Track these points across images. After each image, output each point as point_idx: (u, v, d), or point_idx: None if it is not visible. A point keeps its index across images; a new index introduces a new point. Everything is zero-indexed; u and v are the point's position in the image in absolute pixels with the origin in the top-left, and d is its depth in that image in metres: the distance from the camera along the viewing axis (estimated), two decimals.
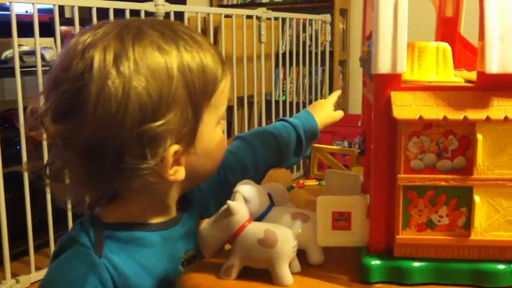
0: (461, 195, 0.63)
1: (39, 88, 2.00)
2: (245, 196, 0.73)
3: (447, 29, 0.91)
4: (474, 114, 0.60)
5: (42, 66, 2.01)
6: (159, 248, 0.71)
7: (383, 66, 0.63)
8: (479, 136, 0.61)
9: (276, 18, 3.19)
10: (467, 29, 0.90)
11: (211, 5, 4.30)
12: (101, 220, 0.69)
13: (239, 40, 2.90)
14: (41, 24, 2.01)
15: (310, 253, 0.71)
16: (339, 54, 3.88)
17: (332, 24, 3.66)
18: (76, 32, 2.14)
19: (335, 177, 0.83)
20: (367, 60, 0.71)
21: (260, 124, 3.24)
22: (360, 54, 0.83)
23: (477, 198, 0.62)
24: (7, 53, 2.47)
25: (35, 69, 2.03)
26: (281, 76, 3.86)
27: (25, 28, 2.04)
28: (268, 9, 3.10)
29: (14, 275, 1.99)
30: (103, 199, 0.71)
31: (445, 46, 0.71)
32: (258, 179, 0.81)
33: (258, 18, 3.01)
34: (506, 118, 0.59)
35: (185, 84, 0.63)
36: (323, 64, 3.64)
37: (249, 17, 2.97)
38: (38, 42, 2.00)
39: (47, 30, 2.19)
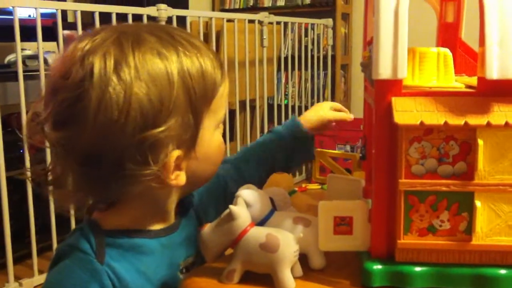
0: (462, 200, 0.63)
1: (42, 92, 2.01)
2: (247, 201, 0.74)
3: (448, 35, 0.91)
4: (474, 120, 0.60)
5: (45, 70, 2.02)
6: (158, 255, 0.70)
7: (384, 71, 0.64)
8: (480, 142, 0.61)
9: (278, 23, 3.20)
10: (468, 34, 0.90)
11: (213, 10, 4.31)
12: (101, 227, 0.69)
13: (241, 44, 2.90)
14: (44, 29, 2.02)
15: (311, 257, 0.71)
16: (341, 58, 3.88)
17: (334, 28, 3.67)
18: (77, 36, 2.15)
19: (337, 181, 0.84)
20: (368, 65, 0.72)
21: (262, 128, 3.24)
22: (361, 59, 0.83)
23: (478, 203, 0.62)
24: (10, 57, 2.47)
25: (38, 73, 2.04)
26: (283, 80, 3.86)
27: (28, 32, 2.05)
28: (270, 13, 3.11)
29: (17, 278, 1.99)
30: (102, 204, 0.71)
31: (446, 51, 0.72)
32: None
33: (260, 22, 3.02)
34: (506, 124, 0.60)
35: (186, 90, 0.63)
36: (325, 68, 3.65)
37: (251, 21, 2.98)
38: (41, 46, 2.01)
39: (50, 34, 2.20)
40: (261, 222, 0.74)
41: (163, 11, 2.43)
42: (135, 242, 0.69)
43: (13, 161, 2.00)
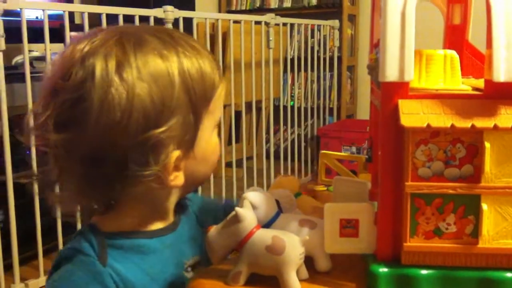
0: (469, 203, 0.63)
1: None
2: (253, 203, 0.74)
3: (454, 37, 0.91)
4: (481, 122, 0.60)
5: None
6: (161, 254, 0.71)
7: (391, 74, 0.64)
8: (487, 144, 0.61)
9: (284, 24, 3.20)
10: (475, 36, 0.90)
11: (219, 11, 4.32)
12: (100, 229, 0.69)
13: (248, 45, 2.90)
14: (51, 30, 2.02)
15: (317, 260, 0.71)
16: (347, 60, 3.88)
17: (340, 29, 3.67)
18: None
19: (343, 184, 0.83)
20: (374, 67, 0.72)
21: (268, 129, 3.23)
22: (368, 62, 0.83)
23: (484, 206, 0.62)
24: (18, 59, 2.48)
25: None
26: (289, 81, 3.86)
27: (36, 34, 2.06)
28: (276, 14, 3.10)
29: (23, 279, 2.00)
30: (101, 207, 0.71)
31: (453, 54, 0.72)
32: None
33: (267, 23, 3.02)
34: None
35: (186, 90, 0.64)
36: (331, 69, 3.64)
37: (257, 23, 2.98)
38: (48, 48, 2.02)
39: (57, 36, 2.20)
40: (267, 224, 0.74)
41: (170, 13, 2.43)
42: (135, 242, 0.69)
43: (21, 162, 2.01)
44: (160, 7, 2.43)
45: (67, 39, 2.10)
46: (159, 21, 2.42)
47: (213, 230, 0.71)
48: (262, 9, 4.05)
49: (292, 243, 0.67)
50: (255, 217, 0.71)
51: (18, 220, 1.93)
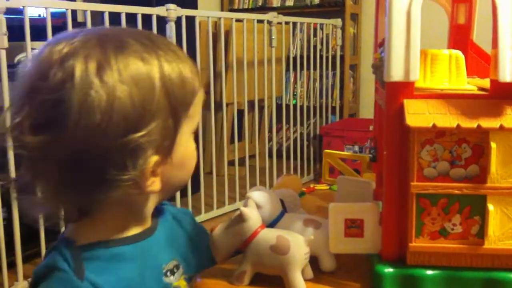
0: (475, 203, 0.62)
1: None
2: (257, 202, 0.74)
3: (459, 36, 0.91)
4: (487, 123, 0.60)
5: None
6: (139, 260, 0.68)
7: (396, 73, 0.63)
8: (493, 145, 0.60)
9: (287, 23, 3.20)
10: (479, 36, 0.90)
11: (222, 10, 4.31)
12: (75, 241, 0.67)
13: (250, 44, 2.90)
14: (53, 28, 2.02)
15: (322, 259, 0.71)
16: (350, 59, 3.87)
17: (343, 28, 3.66)
18: None
19: (347, 183, 0.83)
20: (379, 67, 0.71)
21: (270, 128, 3.23)
22: (372, 61, 0.83)
23: (490, 206, 0.62)
24: (20, 57, 2.48)
25: None
26: (291, 80, 3.85)
27: (38, 32, 2.05)
28: (279, 13, 3.10)
29: (26, 277, 2.00)
30: (75, 213, 0.68)
31: (458, 53, 0.71)
32: None
33: (269, 22, 3.01)
34: None
35: (167, 94, 0.63)
36: (333, 68, 3.64)
37: (260, 21, 2.97)
38: None
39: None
40: (272, 224, 0.74)
41: (172, 11, 2.43)
42: (114, 251, 0.67)
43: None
44: (163, 5, 2.42)
45: None
46: (161, 19, 2.42)
47: (218, 229, 0.71)
48: (264, 8, 4.04)
49: (297, 243, 0.67)
50: (259, 217, 0.71)
51: (21, 218, 1.93)
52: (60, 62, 0.60)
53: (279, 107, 3.35)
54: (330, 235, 0.69)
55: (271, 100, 3.15)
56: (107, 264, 0.66)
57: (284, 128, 3.29)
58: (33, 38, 1.98)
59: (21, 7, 1.93)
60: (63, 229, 0.71)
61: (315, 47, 3.49)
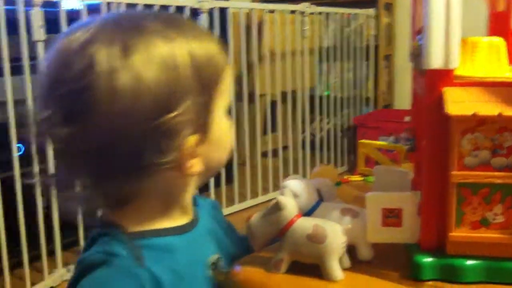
0: None
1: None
2: (294, 191, 0.74)
3: (498, 24, 0.89)
4: None
5: None
6: (188, 253, 0.66)
7: (435, 61, 0.63)
8: None
9: (319, 13, 3.17)
10: None
11: (254, 1, 4.31)
12: (126, 229, 0.64)
13: (283, 35, 2.89)
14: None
15: (359, 249, 0.71)
16: (384, 49, 3.82)
17: (377, 18, 3.61)
18: None
19: (384, 173, 0.83)
20: (417, 55, 0.71)
21: (303, 119, 3.22)
22: (410, 50, 0.82)
23: None
24: None
25: None
26: (324, 71, 3.83)
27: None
28: (311, 3, 3.08)
29: (65, 264, 2.04)
30: (114, 204, 0.66)
31: (499, 41, 0.70)
32: None
33: (302, 13, 3.00)
34: None
35: (196, 72, 0.61)
36: (367, 59, 3.60)
37: (292, 12, 2.96)
38: None
39: None
40: (308, 213, 0.74)
41: (205, 3, 2.44)
42: (166, 240, 0.65)
43: None
44: None
45: None
46: (194, 11, 2.43)
47: (254, 218, 0.72)
48: None
49: (334, 232, 0.67)
50: (296, 206, 0.71)
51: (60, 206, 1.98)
52: (80, 50, 0.58)
53: (312, 98, 3.33)
54: (368, 225, 0.69)
55: (304, 91, 3.14)
56: (161, 254, 0.64)
57: (318, 119, 3.28)
58: None
59: (57, 0, 1.96)
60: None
61: (348, 37, 3.46)
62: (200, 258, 0.68)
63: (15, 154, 1.84)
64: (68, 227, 2.04)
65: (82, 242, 2.07)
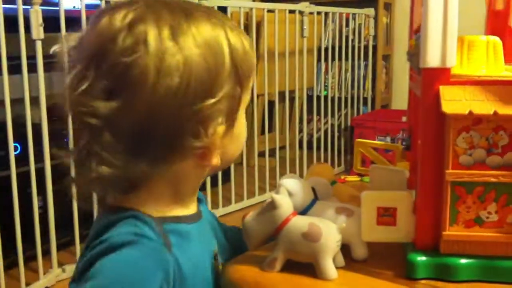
0: (511, 191, 0.61)
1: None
2: (289, 190, 0.74)
3: (497, 23, 0.89)
4: None
5: None
6: (199, 242, 0.67)
7: (432, 60, 0.62)
8: None
9: (318, 13, 3.17)
10: None
11: (254, 0, 4.31)
12: (149, 214, 0.63)
13: (282, 35, 2.89)
14: (88, 20, 2.04)
15: (354, 248, 0.71)
16: (383, 49, 3.82)
17: (376, 18, 3.62)
18: None
19: (380, 172, 0.83)
20: (415, 54, 0.70)
21: (301, 119, 3.22)
22: (408, 48, 0.82)
23: None
24: (56, 48, 2.53)
25: None
26: (323, 70, 3.83)
27: (73, 23, 2.08)
28: (311, 3, 3.08)
29: (60, 264, 2.04)
30: (131, 186, 0.64)
31: (496, 40, 0.70)
32: None
33: (301, 12, 3.00)
34: None
35: (233, 61, 0.62)
36: (366, 58, 3.60)
37: (291, 11, 2.96)
38: None
39: None
40: (303, 212, 0.74)
41: (205, 2, 2.44)
42: (185, 227, 0.65)
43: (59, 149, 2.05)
44: None
45: None
46: None
47: (249, 216, 0.72)
48: None
49: (329, 231, 0.67)
50: (291, 204, 0.71)
51: (56, 206, 1.97)
52: (128, 28, 0.58)
53: (310, 98, 3.33)
54: (363, 223, 0.68)
55: (302, 91, 3.13)
56: (181, 240, 0.64)
57: (315, 119, 3.28)
58: (68, 29, 2.01)
59: None
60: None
61: (347, 37, 3.46)
62: (208, 248, 0.70)
63: (12, 153, 1.83)
64: (63, 227, 2.03)
65: (77, 242, 2.07)
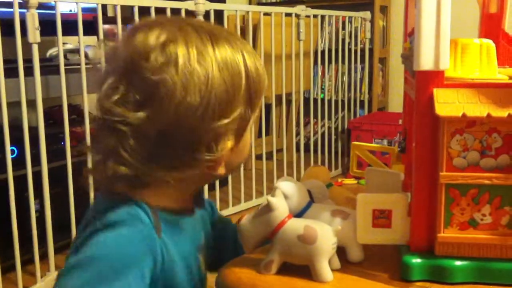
0: (505, 193, 0.62)
1: (83, 85, 2.05)
2: (285, 192, 0.74)
3: (490, 26, 0.89)
4: None
5: (86, 64, 2.05)
6: (190, 232, 0.74)
7: (426, 62, 0.63)
8: None
9: (315, 16, 3.18)
10: (511, 25, 0.88)
11: (250, 3, 4.31)
12: (148, 202, 0.70)
13: (278, 38, 2.89)
14: (84, 23, 2.04)
15: (350, 250, 0.71)
16: (379, 52, 3.83)
17: (372, 21, 3.63)
18: (117, 30, 2.18)
19: (375, 175, 0.83)
20: (409, 56, 0.71)
21: (298, 122, 3.23)
22: (402, 51, 0.82)
23: None
24: (52, 51, 2.52)
25: (78, 67, 2.07)
26: (319, 73, 3.84)
27: (69, 26, 2.09)
28: (307, 6, 3.09)
29: (57, 267, 2.04)
30: (141, 185, 0.70)
31: (489, 43, 0.70)
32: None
33: (297, 15, 3.00)
34: None
35: (248, 86, 0.69)
36: (362, 61, 3.61)
37: (288, 14, 2.97)
38: (82, 41, 2.04)
39: (90, 28, 2.23)
40: (299, 214, 0.74)
41: (201, 5, 2.44)
42: (177, 219, 0.72)
43: (55, 153, 2.05)
44: None
45: (100, 32, 2.13)
46: (190, 13, 2.43)
47: (245, 219, 0.72)
48: (292, 1, 4.02)
49: (325, 233, 0.67)
50: (287, 207, 0.71)
51: (53, 209, 1.97)
52: (161, 47, 0.65)
53: (307, 101, 3.34)
54: (358, 226, 0.69)
55: (299, 94, 3.14)
56: (172, 229, 0.70)
57: (312, 122, 3.28)
58: (64, 33, 2.01)
59: (53, 3, 1.96)
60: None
61: (343, 40, 3.47)
62: (197, 240, 0.76)
63: (9, 157, 1.83)
64: (60, 230, 2.03)
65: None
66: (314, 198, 0.80)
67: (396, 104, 3.93)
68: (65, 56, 2.20)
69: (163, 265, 0.68)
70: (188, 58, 0.65)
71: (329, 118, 3.42)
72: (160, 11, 2.28)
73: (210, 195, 2.62)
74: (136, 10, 2.21)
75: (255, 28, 2.98)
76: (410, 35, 0.78)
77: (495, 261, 0.63)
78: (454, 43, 0.69)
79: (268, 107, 3.12)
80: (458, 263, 0.63)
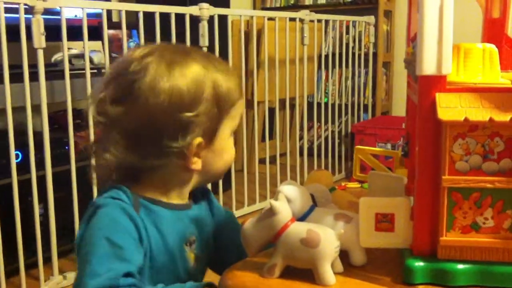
0: (507, 197, 0.62)
1: (88, 90, 2.05)
2: (288, 196, 0.74)
3: (493, 31, 0.89)
4: None
5: (90, 69, 2.06)
6: (172, 223, 0.83)
7: (428, 67, 0.63)
8: None
9: (319, 20, 3.18)
10: None
11: (254, 8, 4.32)
12: (135, 191, 0.82)
13: (282, 42, 2.90)
14: (89, 28, 2.05)
15: (352, 254, 0.71)
16: (383, 56, 3.84)
17: (376, 25, 3.63)
18: (122, 35, 2.20)
19: (378, 178, 0.83)
20: (411, 61, 0.71)
21: (301, 126, 3.23)
22: (405, 56, 0.82)
23: None
24: (57, 56, 2.53)
25: (83, 71, 2.08)
26: (323, 78, 3.85)
27: (74, 32, 2.10)
28: (311, 11, 3.09)
29: (61, 271, 2.04)
30: (131, 178, 0.83)
31: (492, 47, 0.71)
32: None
33: (301, 20, 3.01)
34: None
35: (214, 91, 0.81)
36: (366, 66, 3.61)
37: (292, 19, 2.97)
38: (86, 46, 2.05)
39: (95, 34, 2.24)
40: (302, 218, 0.74)
41: (205, 10, 2.45)
42: (159, 208, 0.83)
43: (60, 157, 2.06)
44: (196, 4, 2.44)
45: (105, 37, 2.14)
46: (194, 18, 2.44)
47: (248, 223, 0.72)
48: (296, 6, 4.04)
49: (327, 237, 0.67)
50: (290, 210, 0.71)
51: (57, 213, 1.98)
52: (140, 58, 0.81)
53: (310, 105, 3.34)
54: (361, 229, 0.69)
55: (302, 98, 3.14)
56: (153, 217, 0.82)
57: (316, 126, 3.28)
58: (69, 38, 2.02)
59: (58, 8, 1.98)
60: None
61: (347, 44, 3.47)
62: (182, 231, 0.85)
63: (13, 161, 1.84)
64: (64, 234, 2.04)
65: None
66: (317, 202, 0.81)
67: (399, 108, 3.94)
68: (70, 61, 2.21)
69: (144, 242, 0.79)
70: (158, 66, 0.80)
71: (333, 122, 3.42)
72: (164, 16, 2.29)
73: None
74: (141, 15, 2.22)
75: (259, 33, 2.99)
76: (413, 40, 0.78)
77: (497, 264, 0.63)
78: (457, 48, 0.69)
79: (271, 111, 3.12)
80: (460, 266, 0.63)
